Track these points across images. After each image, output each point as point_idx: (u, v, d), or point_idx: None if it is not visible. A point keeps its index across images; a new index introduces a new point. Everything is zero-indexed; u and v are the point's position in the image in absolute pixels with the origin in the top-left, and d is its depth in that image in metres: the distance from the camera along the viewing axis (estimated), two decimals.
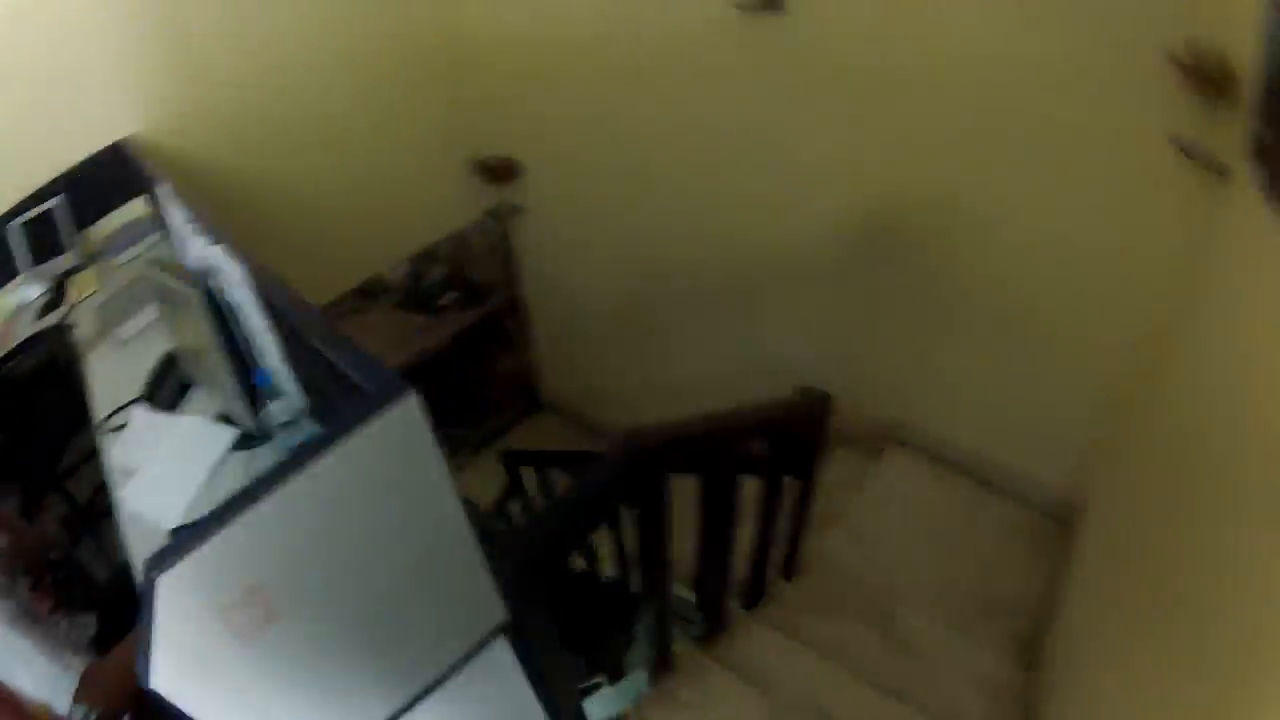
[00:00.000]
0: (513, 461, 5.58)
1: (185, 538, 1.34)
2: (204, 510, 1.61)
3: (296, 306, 1.86)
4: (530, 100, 4.27)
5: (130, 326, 3.48)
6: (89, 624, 2.55)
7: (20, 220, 4.49)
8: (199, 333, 2.40)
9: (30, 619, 2.20)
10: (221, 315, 2.25)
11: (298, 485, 1.42)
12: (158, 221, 4.51)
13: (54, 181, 4.46)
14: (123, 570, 2.53)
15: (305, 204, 4.75)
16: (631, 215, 4.61)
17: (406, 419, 1.48)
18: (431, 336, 5.53)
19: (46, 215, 4.48)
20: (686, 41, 3.83)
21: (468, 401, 6.25)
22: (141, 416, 2.86)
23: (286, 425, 2.23)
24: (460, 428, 6.27)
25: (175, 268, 2.38)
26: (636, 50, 4.06)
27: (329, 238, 4.83)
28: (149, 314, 3.45)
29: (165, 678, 1.41)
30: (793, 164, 3.83)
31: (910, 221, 3.55)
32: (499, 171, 4.60)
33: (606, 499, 2.53)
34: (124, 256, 4.36)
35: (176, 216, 2.76)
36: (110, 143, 4.51)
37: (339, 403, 2.03)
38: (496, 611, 1.86)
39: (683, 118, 4.15)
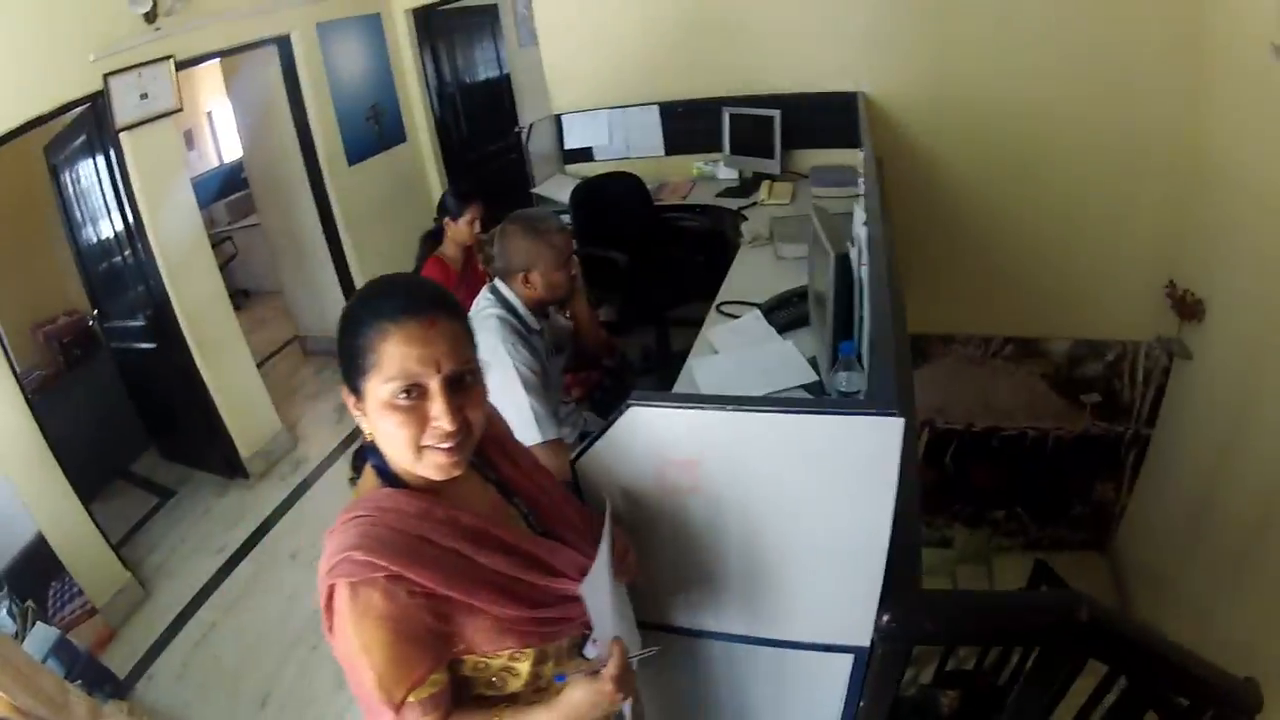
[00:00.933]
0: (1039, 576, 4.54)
1: (673, 397, 1.78)
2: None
3: (893, 313, 2.07)
4: (1239, 255, 3.94)
5: (789, 249, 3.85)
6: (591, 421, 2.99)
7: (734, 110, 5.11)
8: (827, 286, 2.61)
9: (551, 389, 2.69)
10: (848, 283, 2.42)
11: (785, 421, 1.64)
12: (860, 175, 4.84)
13: (773, 97, 5.00)
14: None
15: (995, 235, 4.93)
16: None
17: (884, 433, 1.56)
18: (1062, 421, 5.36)
19: (763, 120, 5.00)
20: None
21: (1040, 502, 5.78)
22: (752, 320, 3.23)
23: (844, 395, 2.38)
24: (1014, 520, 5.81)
25: (835, 221, 2.73)
26: None
27: (1004, 277, 4.98)
28: (803, 248, 3.62)
29: (590, 470, 1.83)
30: None
31: None
32: (1187, 307, 4.28)
33: None
34: (823, 190, 4.66)
35: (860, 181, 3.13)
36: (847, 90, 4.95)
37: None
38: (863, 634, 1.86)
39: None
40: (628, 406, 1.69)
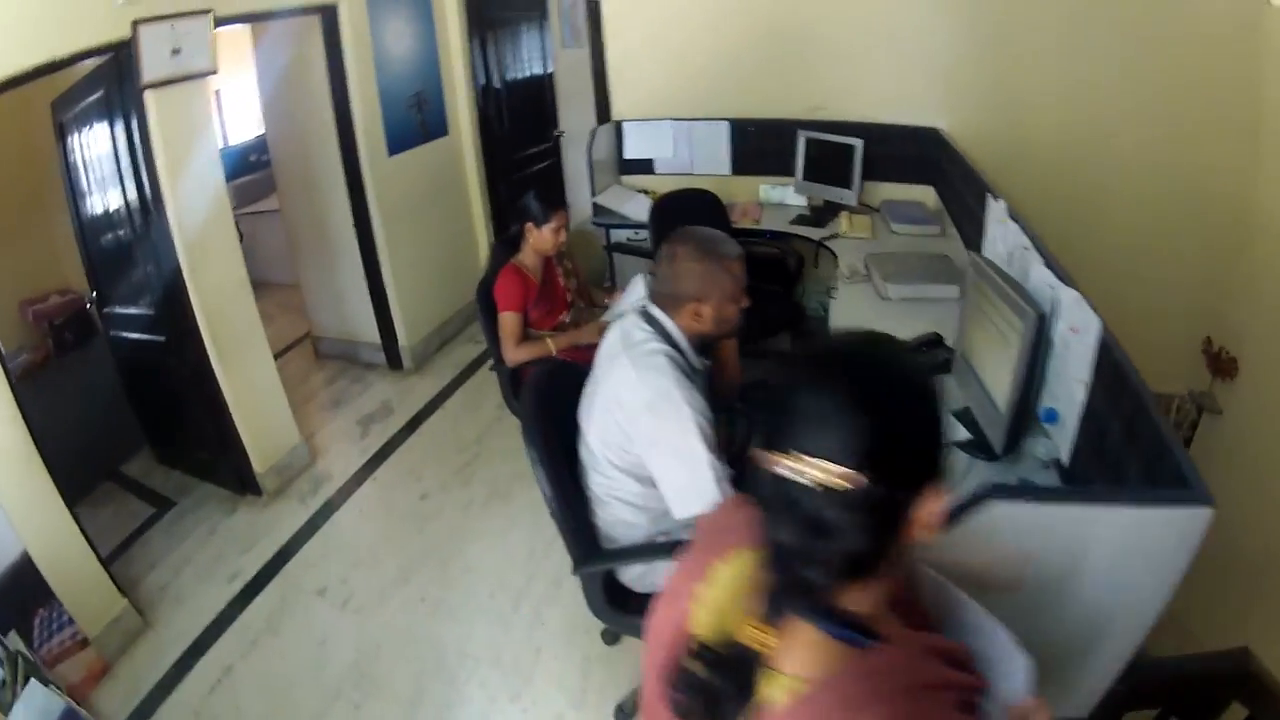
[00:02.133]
0: None
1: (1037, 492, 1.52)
2: None
3: (1134, 383, 1.86)
4: (1274, 312, 3.85)
5: (896, 290, 3.63)
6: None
7: (811, 135, 4.81)
8: (993, 339, 2.45)
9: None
10: (1039, 344, 2.22)
11: (1078, 512, 1.52)
12: (939, 216, 4.62)
13: (854, 125, 4.74)
14: None
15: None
16: None
17: (1183, 527, 1.43)
18: None
19: (843, 148, 4.70)
20: None
21: None
22: None
23: (1037, 462, 2.19)
24: None
25: (999, 274, 2.48)
26: None
27: None
28: (919, 290, 3.61)
29: None
30: None
31: None
32: (1222, 364, 4.17)
33: None
34: (901, 226, 4.50)
35: (1011, 233, 2.88)
36: (923, 124, 4.77)
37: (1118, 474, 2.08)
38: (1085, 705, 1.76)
39: None
40: (987, 500, 1.48)
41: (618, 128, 5.19)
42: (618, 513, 2.35)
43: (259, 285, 6.11)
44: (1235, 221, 4.19)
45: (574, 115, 5.36)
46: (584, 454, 2.39)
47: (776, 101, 4.96)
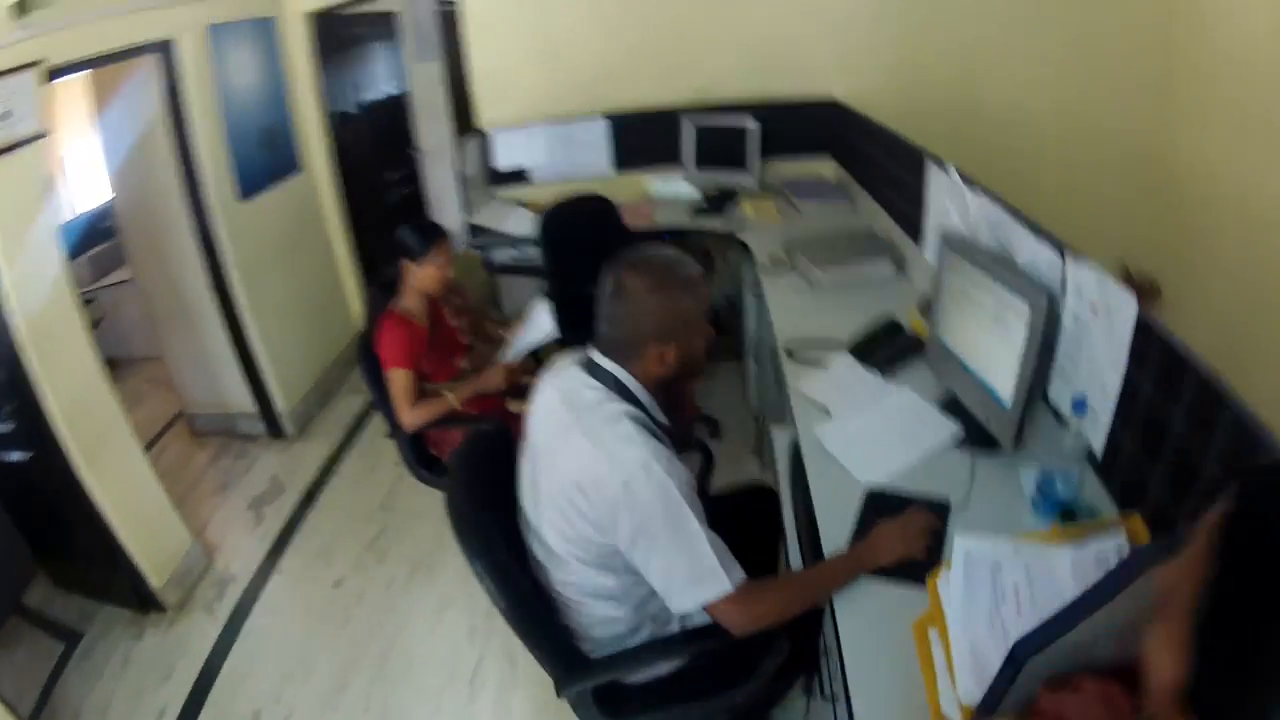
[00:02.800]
0: None
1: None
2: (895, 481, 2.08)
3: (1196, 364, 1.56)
4: (1196, 241, 3.81)
5: (827, 276, 3.33)
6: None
7: (698, 121, 4.52)
8: (982, 324, 2.19)
9: None
10: (1049, 327, 1.99)
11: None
12: (845, 188, 4.41)
13: (746, 105, 4.50)
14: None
15: None
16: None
17: None
18: None
19: (736, 131, 4.45)
20: None
21: None
22: (846, 367, 2.69)
23: (1062, 457, 1.87)
24: None
25: (984, 253, 2.23)
26: None
27: None
28: (851, 272, 3.34)
29: None
30: None
31: None
32: (1141, 289, 4.13)
33: None
34: (808, 204, 4.25)
35: (976, 205, 2.61)
36: (819, 96, 4.57)
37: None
38: None
39: None
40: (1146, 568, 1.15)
41: (486, 138, 4.74)
42: (594, 610, 1.93)
43: (126, 363, 5.57)
44: (1155, 178, 4.11)
45: (432, 131, 4.94)
46: (537, 549, 1.93)
47: (657, 90, 4.64)
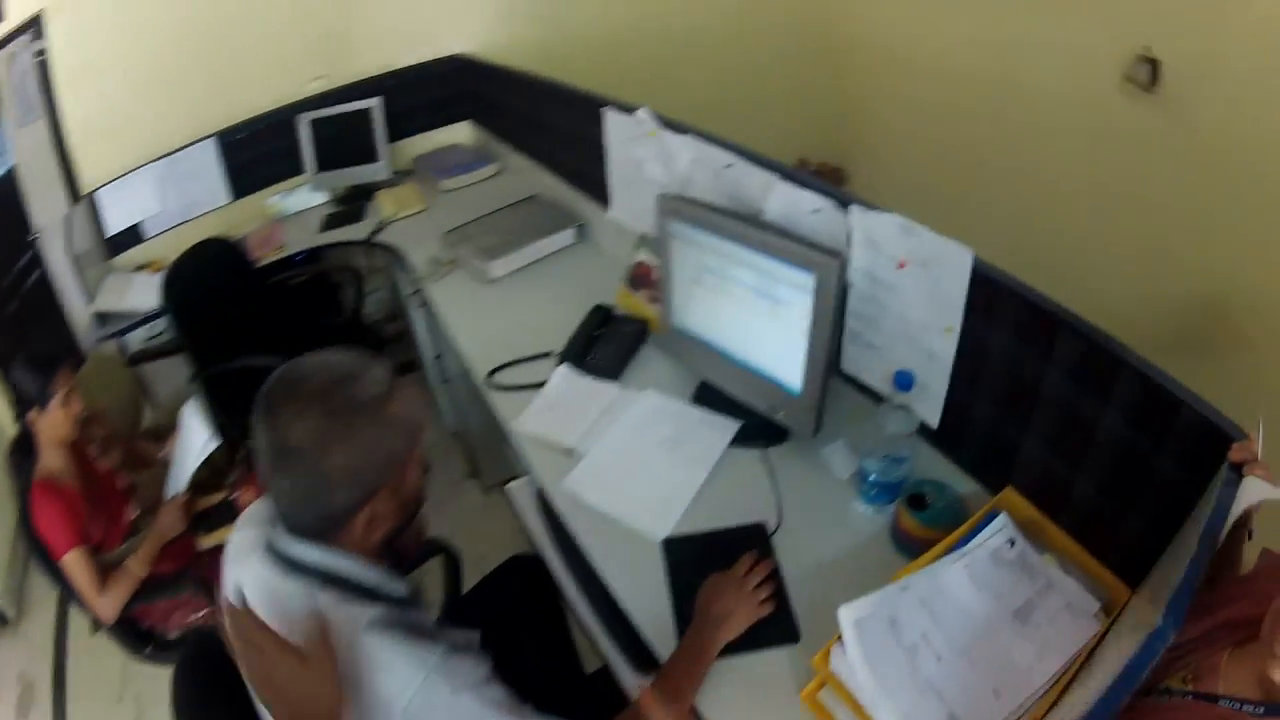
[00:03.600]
0: None
1: None
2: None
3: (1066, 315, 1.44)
4: (881, 118, 3.92)
5: (499, 265, 2.96)
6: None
7: (314, 115, 4.01)
8: (738, 302, 1.91)
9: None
10: (840, 296, 1.73)
11: None
12: (488, 151, 4.09)
13: (366, 83, 4.11)
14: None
15: None
16: None
17: None
18: None
19: (355, 116, 4.01)
20: (1064, 102, 3.42)
21: None
22: (565, 378, 2.34)
23: (885, 437, 1.69)
24: None
25: (717, 213, 1.89)
26: (1010, 98, 3.60)
27: None
28: (529, 253, 3.01)
29: None
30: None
31: None
32: (825, 176, 4.27)
33: None
34: (450, 180, 3.86)
35: (686, 148, 2.28)
36: (443, 55, 4.22)
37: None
38: None
39: (1038, 172, 3.60)
40: None
41: (91, 202, 3.95)
42: None
43: None
44: (818, 57, 4.12)
45: (47, 205, 4.19)
46: None
47: (269, 90, 4.06)
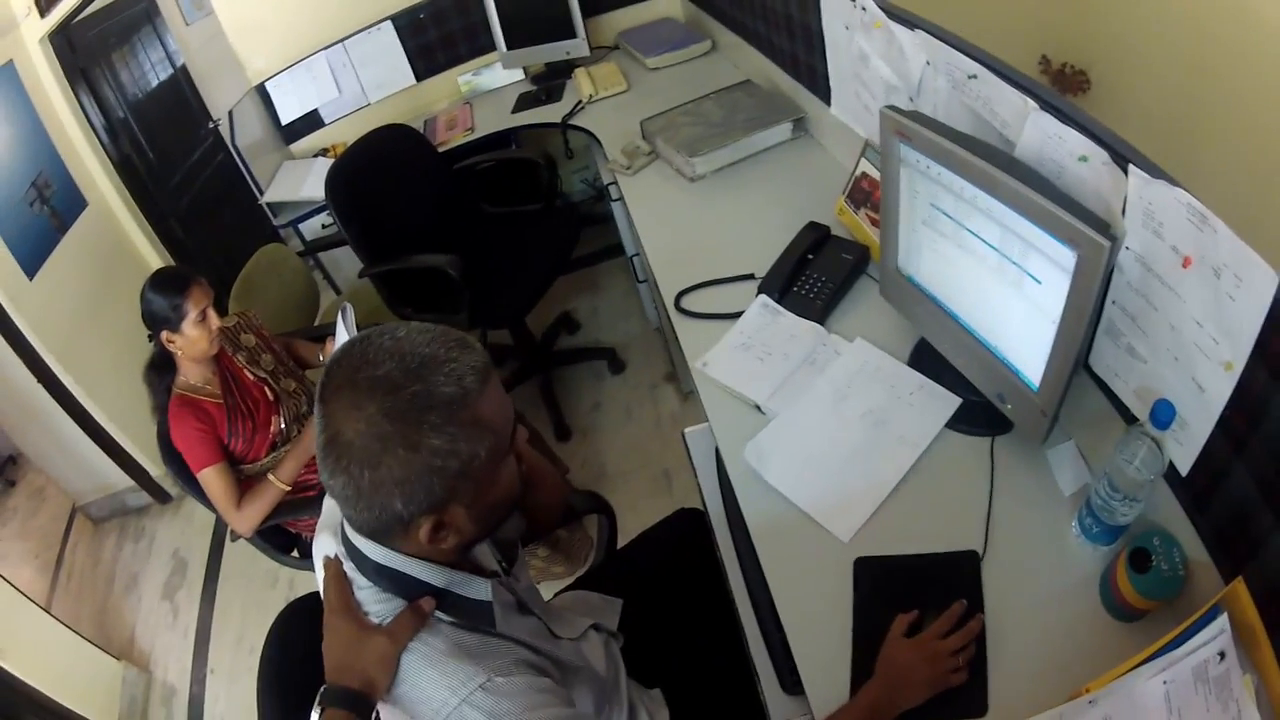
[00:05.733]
0: None
1: None
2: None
3: None
4: (1119, 16, 3.31)
5: (703, 162, 2.56)
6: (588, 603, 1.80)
7: None
8: (976, 266, 1.45)
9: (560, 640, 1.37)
10: (1103, 290, 1.31)
11: None
12: (700, 26, 3.59)
13: None
14: None
15: None
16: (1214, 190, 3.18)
17: None
18: None
19: None
20: None
21: None
22: (762, 311, 1.99)
23: (1124, 474, 1.23)
24: None
25: (962, 145, 1.37)
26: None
27: None
28: (737, 149, 2.57)
29: None
30: None
31: None
32: (1067, 80, 3.64)
33: None
34: (658, 58, 3.46)
35: (918, 52, 1.76)
36: None
37: None
38: None
39: None
40: None
41: (261, 92, 3.83)
42: None
43: (20, 458, 4.71)
44: None
45: (226, 94, 4.09)
46: None
47: None
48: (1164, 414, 1.16)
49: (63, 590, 3.58)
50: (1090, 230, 1.13)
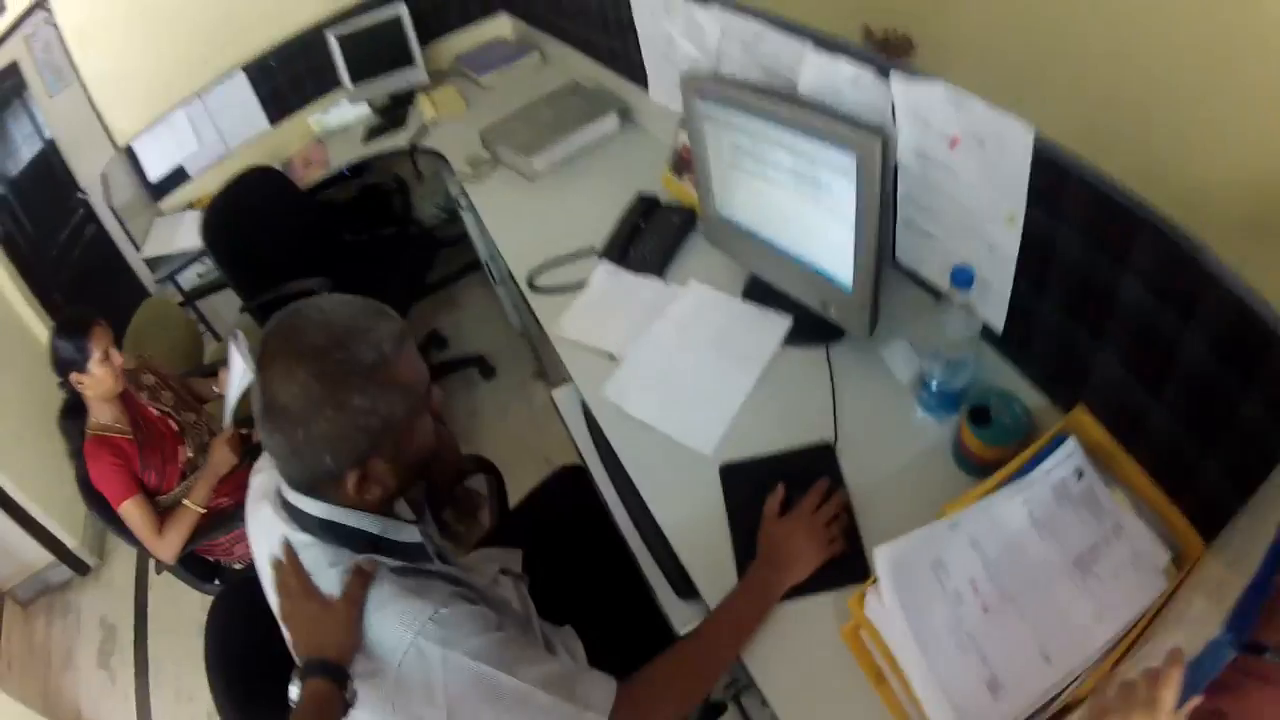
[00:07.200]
0: None
1: None
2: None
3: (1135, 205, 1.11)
4: None
5: (541, 160, 2.73)
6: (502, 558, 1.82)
7: (340, 31, 3.74)
8: (780, 188, 1.63)
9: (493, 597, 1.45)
10: (886, 178, 1.46)
11: None
12: (529, 41, 3.74)
13: None
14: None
15: None
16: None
17: None
18: None
19: (384, 25, 3.74)
20: None
21: None
22: (607, 275, 2.17)
23: (945, 340, 1.43)
24: None
25: (749, 91, 1.63)
26: None
27: None
28: (569, 145, 2.77)
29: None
30: None
31: None
32: (891, 46, 3.81)
33: None
34: (490, 76, 3.61)
35: (710, 21, 1.96)
36: None
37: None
38: None
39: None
40: None
41: (129, 154, 3.88)
42: None
43: None
44: None
45: (93, 163, 4.15)
46: None
47: (287, 14, 3.83)
48: (962, 276, 1.33)
49: (5, 677, 3.55)
50: (861, 133, 1.32)
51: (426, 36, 3.85)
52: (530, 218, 2.58)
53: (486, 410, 3.67)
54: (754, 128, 1.57)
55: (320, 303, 1.20)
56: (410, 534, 1.31)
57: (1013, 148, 1.24)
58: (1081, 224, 1.20)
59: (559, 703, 1.17)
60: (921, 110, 1.39)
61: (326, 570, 1.21)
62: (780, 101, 1.49)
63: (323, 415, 1.11)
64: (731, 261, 1.96)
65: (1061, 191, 1.20)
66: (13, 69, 3.93)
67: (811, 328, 1.75)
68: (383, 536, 1.26)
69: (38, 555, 3.91)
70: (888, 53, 3.77)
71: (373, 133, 3.72)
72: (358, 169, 3.75)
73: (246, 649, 1.55)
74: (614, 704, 1.22)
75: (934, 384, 1.47)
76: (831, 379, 1.66)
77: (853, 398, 1.62)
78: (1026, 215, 1.30)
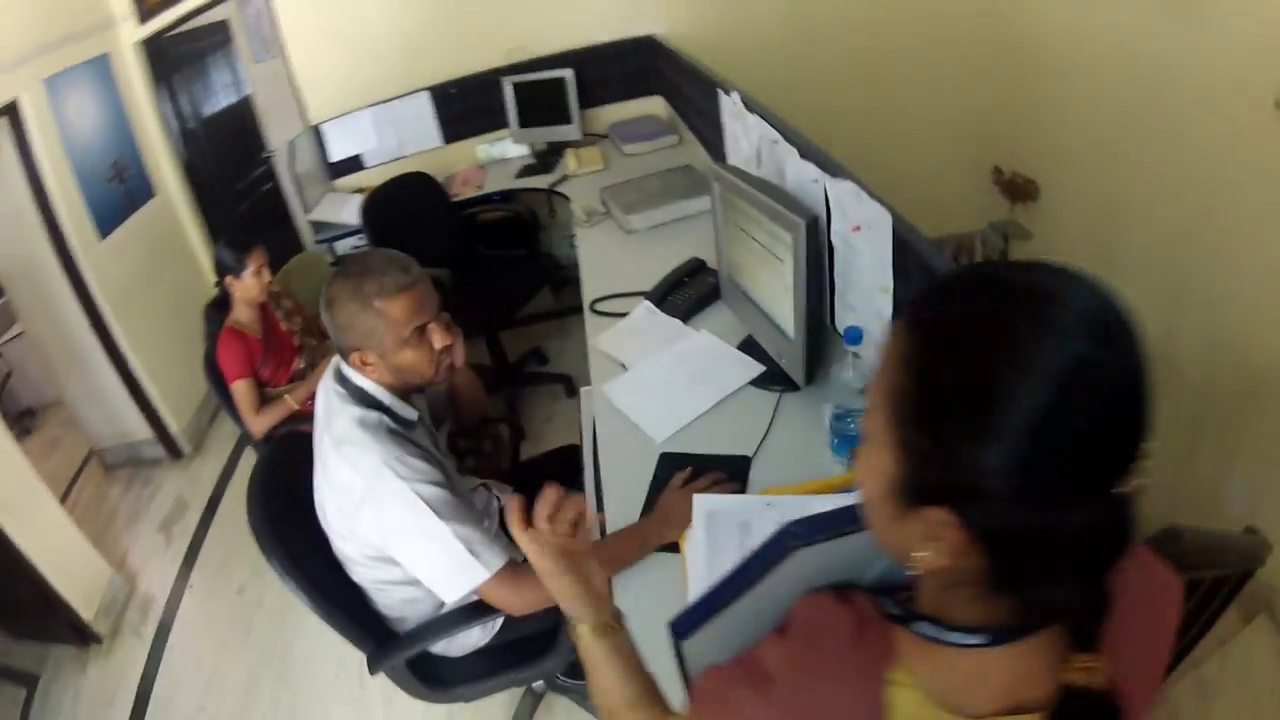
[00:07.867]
0: None
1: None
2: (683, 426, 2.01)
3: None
4: (1065, 129, 3.75)
5: (638, 219, 3.23)
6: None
7: (516, 79, 4.40)
8: (760, 258, 2.06)
9: (458, 489, 1.95)
10: (819, 252, 1.92)
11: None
12: (673, 124, 4.29)
13: (563, 55, 4.46)
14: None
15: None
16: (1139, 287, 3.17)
17: None
18: None
19: (553, 83, 4.36)
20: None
21: None
22: (645, 314, 2.62)
23: (849, 390, 1.84)
24: None
25: (748, 181, 2.06)
26: (1177, 123, 3.03)
27: None
28: (667, 212, 3.25)
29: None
30: None
31: None
32: (1018, 189, 3.96)
33: None
34: (634, 146, 4.14)
35: (753, 127, 2.48)
36: (638, 35, 4.46)
37: None
38: None
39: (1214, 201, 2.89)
40: (792, 549, 0.92)
41: (316, 132, 4.62)
42: (394, 595, 1.95)
43: (42, 410, 5.57)
44: (1002, 55, 4.09)
45: (281, 130, 4.81)
46: (338, 545, 1.91)
47: (473, 56, 4.52)
48: (852, 334, 1.74)
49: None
50: (795, 217, 1.74)
51: (588, 102, 4.49)
52: (615, 261, 3.07)
53: (560, 419, 4.12)
54: (744, 209, 2.03)
55: (375, 251, 1.86)
56: (409, 412, 1.88)
57: (881, 230, 1.66)
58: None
59: (462, 550, 1.70)
60: (841, 202, 1.83)
61: (341, 409, 1.80)
62: (753, 189, 1.96)
63: (336, 312, 1.79)
64: (738, 322, 2.39)
65: (908, 267, 1.62)
66: (223, 25, 4.73)
67: (774, 378, 2.14)
68: (388, 407, 1.83)
69: (138, 428, 4.51)
70: (1013, 194, 4.26)
71: (525, 170, 4.35)
72: (505, 196, 4.38)
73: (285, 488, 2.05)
74: (503, 570, 1.70)
75: (834, 427, 1.81)
76: (773, 415, 2.03)
77: (784, 431, 1.98)
78: (894, 285, 1.72)
